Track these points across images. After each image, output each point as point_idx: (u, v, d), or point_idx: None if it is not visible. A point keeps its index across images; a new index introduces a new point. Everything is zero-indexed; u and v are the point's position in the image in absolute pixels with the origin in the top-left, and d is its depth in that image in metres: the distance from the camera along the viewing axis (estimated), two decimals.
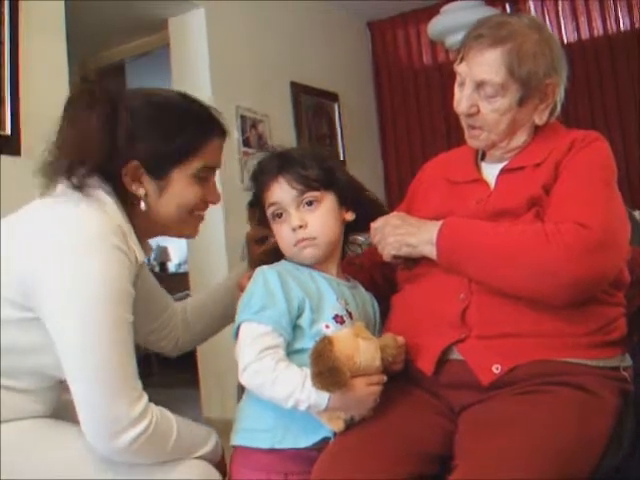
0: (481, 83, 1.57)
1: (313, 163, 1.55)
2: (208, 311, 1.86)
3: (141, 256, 1.45)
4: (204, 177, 1.53)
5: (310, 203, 1.53)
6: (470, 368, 1.45)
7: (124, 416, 1.31)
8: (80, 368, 1.32)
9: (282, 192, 1.53)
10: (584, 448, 1.34)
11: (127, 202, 1.47)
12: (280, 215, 1.54)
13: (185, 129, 1.49)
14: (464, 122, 1.65)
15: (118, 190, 1.46)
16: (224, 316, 1.83)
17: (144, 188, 1.47)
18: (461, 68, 1.62)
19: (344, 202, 1.58)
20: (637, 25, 4.80)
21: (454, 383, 1.48)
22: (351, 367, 1.37)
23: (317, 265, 1.57)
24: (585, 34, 4.97)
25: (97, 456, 1.37)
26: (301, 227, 1.51)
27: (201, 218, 1.59)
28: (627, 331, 1.53)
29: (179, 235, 1.62)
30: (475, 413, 1.44)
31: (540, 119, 1.62)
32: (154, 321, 1.77)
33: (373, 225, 1.63)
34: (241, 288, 1.61)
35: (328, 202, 1.55)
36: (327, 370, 1.32)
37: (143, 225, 1.50)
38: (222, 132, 1.58)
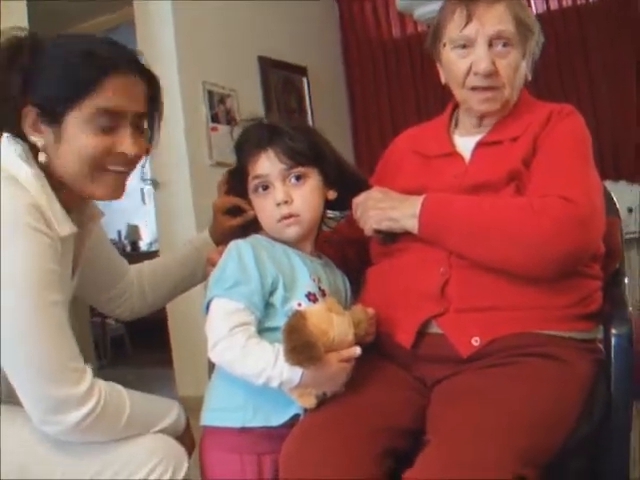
0: (496, 36, 1.56)
1: (302, 137, 1.51)
2: (163, 281, 1.81)
3: (64, 230, 1.34)
4: (107, 125, 1.36)
5: (297, 178, 1.49)
6: (449, 341, 1.45)
7: (65, 400, 1.26)
8: (10, 357, 1.26)
9: (270, 165, 1.48)
10: (558, 418, 1.35)
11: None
12: (265, 188, 1.50)
13: (78, 64, 1.34)
14: (477, 86, 1.60)
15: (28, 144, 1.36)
16: (177, 287, 1.83)
17: (43, 138, 1.36)
18: (470, 29, 1.58)
19: (328, 180, 1.56)
20: None
21: (431, 356, 1.48)
22: (325, 342, 1.35)
23: (293, 242, 1.54)
24: (554, 4, 4.95)
25: (49, 437, 1.32)
26: (286, 202, 1.48)
27: (119, 174, 1.42)
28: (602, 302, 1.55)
29: (94, 196, 1.44)
30: (448, 386, 1.44)
31: (529, 75, 1.65)
32: (110, 290, 1.73)
33: (355, 200, 1.61)
34: (211, 263, 1.57)
35: (314, 179, 1.52)
36: (301, 345, 1.30)
37: (60, 188, 1.38)
38: (127, 69, 1.38)
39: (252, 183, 1.51)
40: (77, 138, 1.34)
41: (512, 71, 1.58)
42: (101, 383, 1.33)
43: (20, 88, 1.32)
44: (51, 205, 1.32)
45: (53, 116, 1.34)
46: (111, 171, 1.40)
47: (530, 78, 1.65)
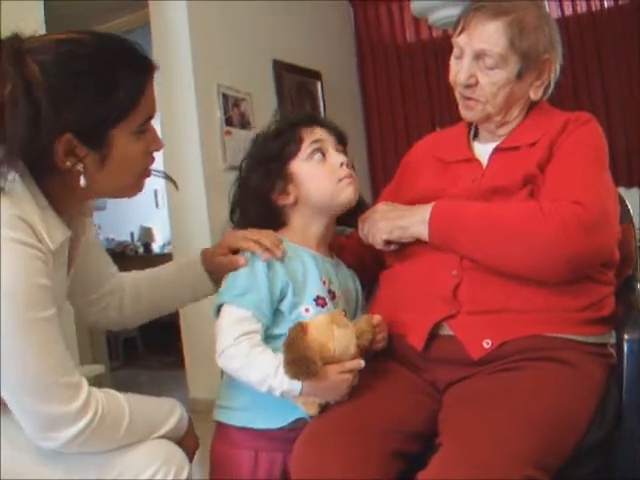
0: (481, 53, 1.57)
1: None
2: (143, 297, 1.68)
3: (56, 240, 1.27)
4: (145, 128, 1.32)
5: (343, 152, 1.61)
6: (460, 343, 1.46)
7: (57, 417, 1.22)
8: (2, 379, 1.20)
9: (326, 134, 1.60)
10: (569, 423, 1.34)
11: (55, 178, 1.27)
12: (322, 155, 1.57)
13: (118, 80, 1.24)
14: (460, 94, 1.64)
15: (44, 167, 1.25)
16: (157, 307, 1.72)
17: (81, 162, 1.25)
18: (461, 39, 1.61)
19: None
20: (620, 2, 4.78)
21: (443, 358, 1.48)
22: (325, 355, 1.38)
23: (307, 243, 1.58)
24: (568, 11, 4.95)
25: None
26: (348, 165, 1.58)
27: (148, 173, 1.39)
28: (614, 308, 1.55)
29: (127, 197, 1.42)
30: (461, 389, 1.45)
31: (535, 95, 1.64)
32: (89, 294, 1.61)
33: (361, 217, 1.64)
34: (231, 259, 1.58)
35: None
36: (298, 359, 1.33)
37: (78, 197, 1.34)
38: (153, 69, 1.32)
39: (310, 148, 1.57)
40: (127, 151, 1.29)
41: (495, 89, 1.58)
42: (98, 395, 1.28)
43: (50, 117, 1.18)
44: (43, 214, 1.25)
45: (96, 137, 1.25)
46: (145, 172, 1.39)
47: (537, 98, 1.64)
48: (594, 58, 4.83)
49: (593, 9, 4.87)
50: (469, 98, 1.63)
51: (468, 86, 1.60)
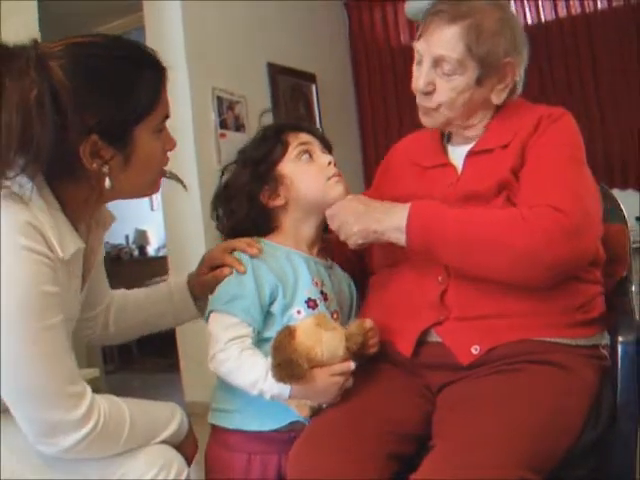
0: (439, 59, 1.53)
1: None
2: (129, 316, 1.69)
3: (68, 250, 1.26)
4: (163, 127, 1.35)
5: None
6: (449, 350, 1.45)
7: (59, 424, 1.22)
8: (5, 385, 1.20)
9: (309, 138, 1.63)
10: (560, 425, 1.34)
11: (74, 184, 1.28)
12: (309, 156, 1.59)
13: (139, 79, 1.28)
14: (419, 100, 1.61)
15: (64, 173, 1.26)
16: (143, 325, 1.71)
17: (107, 163, 1.26)
18: (419, 45, 1.58)
19: None
20: (614, 4, 4.80)
21: (432, 364, 1.48)
22: (312, 359, 1.38)
23: (299, 246, 1.59)
24: (562, 12, 4.96)
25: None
26: (335, 165, 1.60)
27: (164, 172, 1.42)
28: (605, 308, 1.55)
29: (143, 196, 1.44)
30: (454, 392, 1.44)
31: (498, 99, 1.59)
32: (85, 312, 1.58)
33: (329, 212, 1.57)
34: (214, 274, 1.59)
35: None
36: (284, 362, 1.34)
37: (98, 201, 1.35)
38: (166, 69, 1.35)
39: (296, 150, 1.60)
40: (149, 149, 1.32)
41: (454, 94, 1.54)
42: (101, 403, 1.28)
43: (75, 119, 1.19)
44: (56, 223, 1.25)
45: (121, 137, 1.27)
46: (163, 170, 1.41)
47: (500, 102, 1.59)
48: (588, 60, 4.83)
49: (587, 11, 4.88)
50: (428, 105, 1.59)
51: (427, 93, 1.57)
